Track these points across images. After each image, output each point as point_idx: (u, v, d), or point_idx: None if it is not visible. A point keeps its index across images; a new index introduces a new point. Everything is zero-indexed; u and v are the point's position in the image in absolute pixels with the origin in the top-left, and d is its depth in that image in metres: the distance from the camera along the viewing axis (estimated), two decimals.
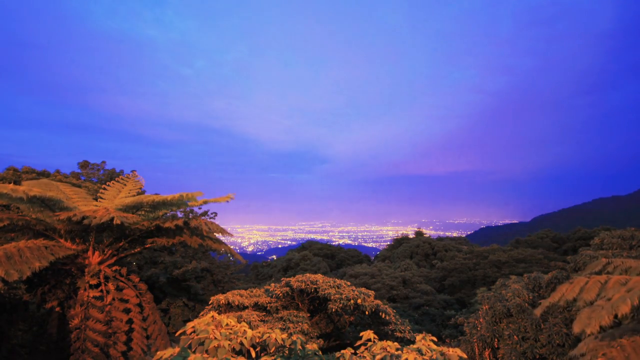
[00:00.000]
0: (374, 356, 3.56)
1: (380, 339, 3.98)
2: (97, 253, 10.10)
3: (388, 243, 61.52)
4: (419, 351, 3.54)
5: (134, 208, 10.32)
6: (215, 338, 3.36)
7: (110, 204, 10.60)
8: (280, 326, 10.35)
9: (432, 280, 33.50)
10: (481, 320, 12.64)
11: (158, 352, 3.23)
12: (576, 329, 4.84)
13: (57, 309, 10.19)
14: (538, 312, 6.25)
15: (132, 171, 15.23)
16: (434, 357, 3.42)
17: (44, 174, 17.37)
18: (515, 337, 11.08)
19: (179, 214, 21.41)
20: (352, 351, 3.84)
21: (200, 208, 23.96)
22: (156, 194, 12.02)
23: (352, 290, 11.65)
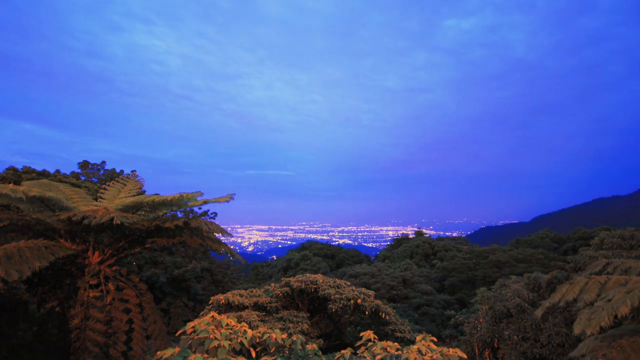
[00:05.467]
0: (374, 356, 3.57)
1: (381, 339, 3.98)
2: (97, 253, 10.11)
3: (388, 243, 61.58)
4: (419, 351, 3.54)
5: (133, 208, 10.33)
6: (216, 338, 3.37)
7: (110, 204, 10.61)
8: (280, 326, 10.35)
9: (432, 280, 33.50)
10: (481, 320, 12.64)
11: (158, 352, 3.23)
12: (576, 330, 4.85)
13: (57, 309, 10.21)
14: (538, 313, 6.26)
15: (132, 171, 15.24)
16: (434, 357, 3.42)
17: (44, 174, 17.38)
18: (515, 337, 11.08)
19: (179, 214, 21.42)
20: (352, 351, 3.84)
21: (200, 208, 23.97)
22: (156, 194, 12.03)
23: (352, 290, 11.65)
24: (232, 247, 11.66)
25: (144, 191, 16.62)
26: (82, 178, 20.02)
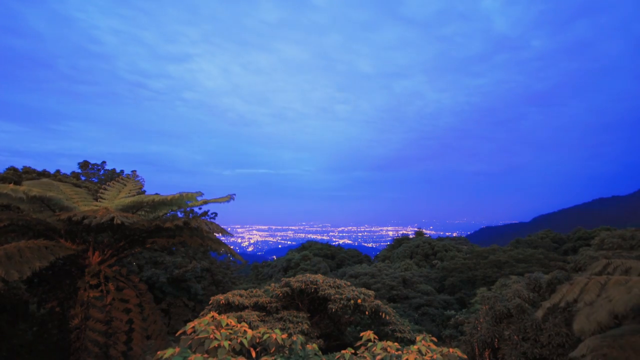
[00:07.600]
0: (374, 356, 3.57)
1: (381, 339, 3.98)
2: (97, 253, 10.11)
3: (388, 243, 61.56)
4: (419, 352, 3.54)
5: (134, 208, 10.33)
6: (216, 338, 3.37)
7: (110, 204, 10.61)
8: (280, 326, 10.34)
9: (432, 280, 33.50)
10: (481, 320, 12.64)
11: (158, 352, 3.24)
12: (576, 327, 4.87)
13: (57, 309, 10.20)
14: (539, 314, 6.26)
15: (132, 171, 15.25)
16: (434, 357, 3.42)
17: (44, 174, 17.38)
18: (515, 337, 11.08)
19: (179, 214, 21.41)
20: (353, 351, 3.84)
21: (200, 208, 23.96)
22: (156, 193, 12.03)
23: (352, 290, 11.64)
24: (232, 247, 11.66)
25: (144, 191, 16.62)
26: (83, 178, 20.03)
